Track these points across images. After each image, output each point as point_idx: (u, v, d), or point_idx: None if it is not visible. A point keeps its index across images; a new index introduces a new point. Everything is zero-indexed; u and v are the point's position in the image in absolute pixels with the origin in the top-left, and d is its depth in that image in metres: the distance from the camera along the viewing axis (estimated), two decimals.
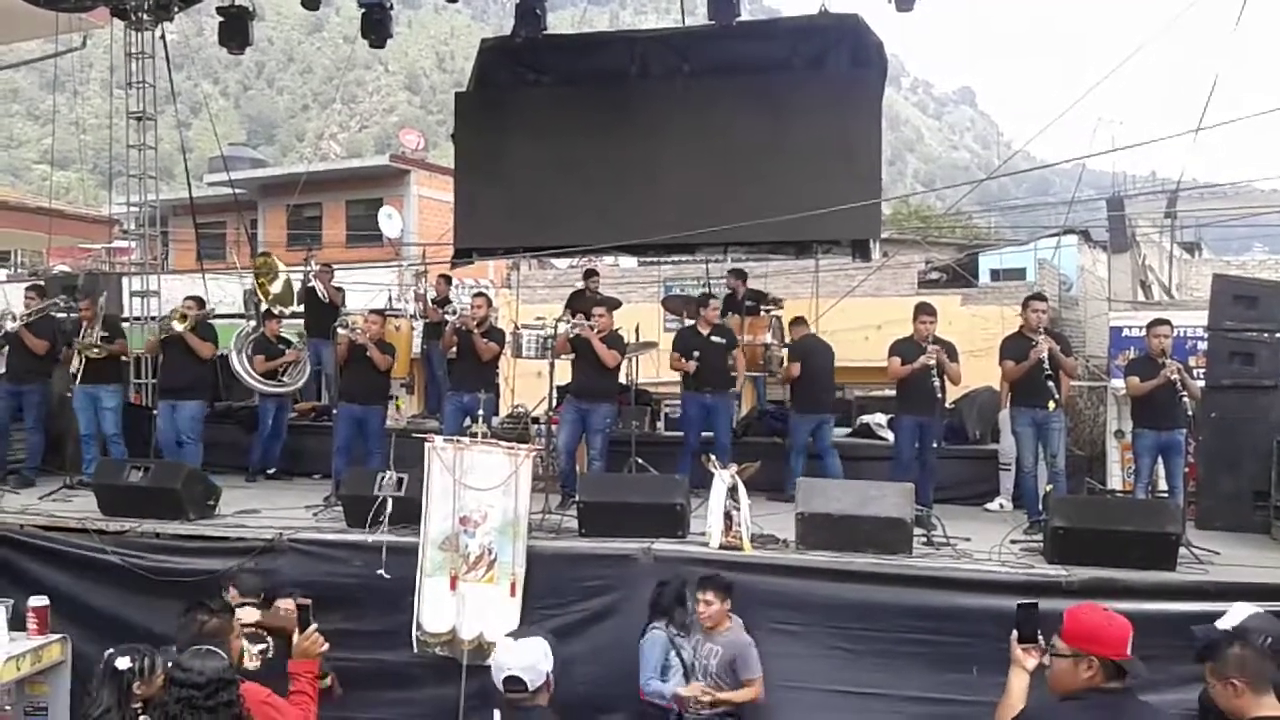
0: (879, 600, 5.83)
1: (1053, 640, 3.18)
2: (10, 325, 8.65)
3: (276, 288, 10.18)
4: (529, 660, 3.87)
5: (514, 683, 3.84)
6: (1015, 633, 3.35)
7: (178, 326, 8.57)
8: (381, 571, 6.17)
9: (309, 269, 10.59)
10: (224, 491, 7.51)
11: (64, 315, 8.90)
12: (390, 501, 6.44)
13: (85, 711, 3.73)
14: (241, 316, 13.04)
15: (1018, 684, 3.30)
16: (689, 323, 8.88)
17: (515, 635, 4.15)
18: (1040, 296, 7.87)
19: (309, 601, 4.27)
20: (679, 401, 10.14)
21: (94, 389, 8.70)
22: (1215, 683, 3.18)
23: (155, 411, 8.91)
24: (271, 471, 9.62)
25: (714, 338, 8.40)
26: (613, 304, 10.75)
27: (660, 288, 17.38)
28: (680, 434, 9.50)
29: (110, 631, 6.42)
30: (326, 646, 4.19)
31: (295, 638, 4.14)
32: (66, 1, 10.00)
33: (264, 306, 10.05)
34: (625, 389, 9.48)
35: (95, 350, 8.59)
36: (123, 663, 3.63)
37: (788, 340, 9.28)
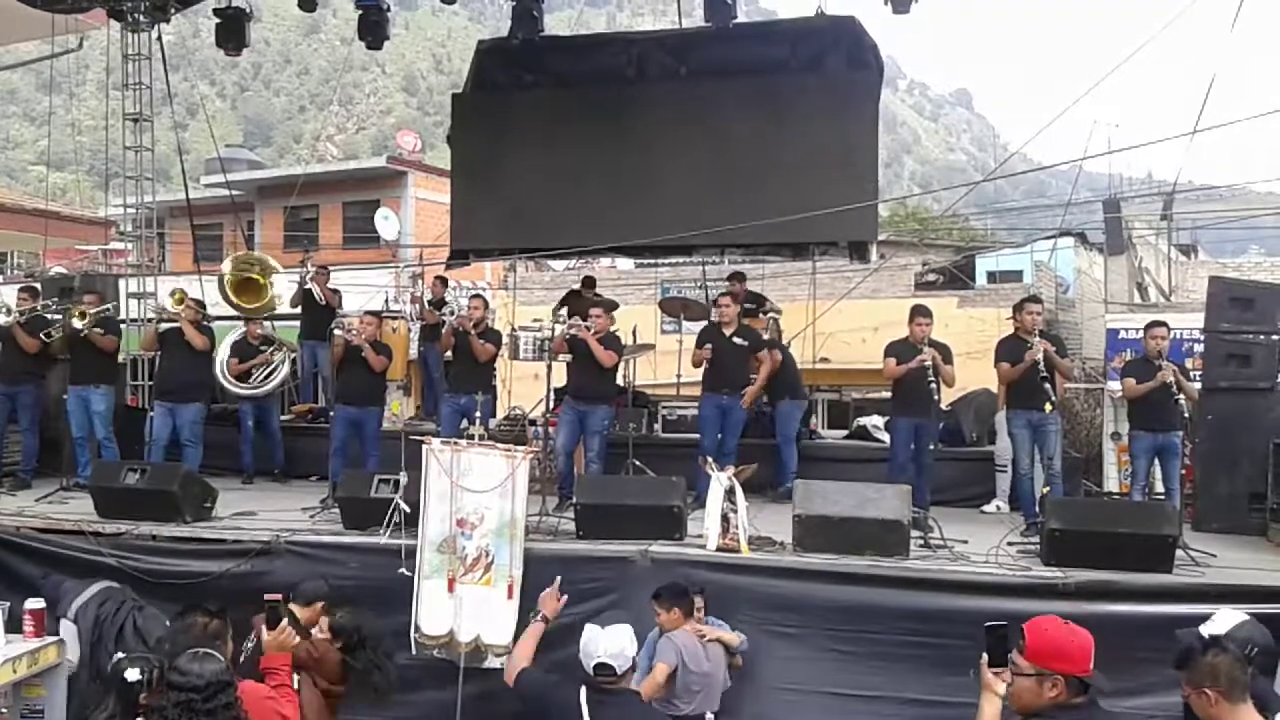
0: (876, 602, 5.83)
1: (1013, 657, 3.10)
2: (4, 319, 8.61)
3: (279, 286, 10.07)
4: (617, 647, 4.07)
5: (603, 669, 4.05)
6: (985, 656, 3.22)
7: (170, 306, 8.53)
8: (403, 570, 6.16)
9: (305, 271, 10.57)
10: (221, 494, 7.50)
11: (57, 317, 8.85)
12: (403, 505, 6.40)
13: (88, 716, 3.70)
14: (240, 318, 13.02)
15: (990, 710, 3.18)
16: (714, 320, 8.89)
17: (601, 623, 4.27)
18: (1035, 299, 7.87)
19: (279, 598, 4.28)
20: (677, 404, 10.16)
21: (84, 391, 8.65)
22: (1190, 692, 3.14)
23: (152, 414, 8.89)
24: (275, 471, 9.60)
25: (735, 339, 8.31)
26: (610, 306, 10.77)
27: (657, 289, 17.39)
28: (678, 436, 9.51)
29: None
30: (299, 640, 4.22)
31: (266, 635, 4.15)
32: (63, 3, 10.00)
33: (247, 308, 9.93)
34: (623, 391, 9.48)
35: (83, 319, 8.50)
36: (132, 674, 3.61)
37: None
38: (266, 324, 10.10)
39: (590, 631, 4.16)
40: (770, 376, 8.68)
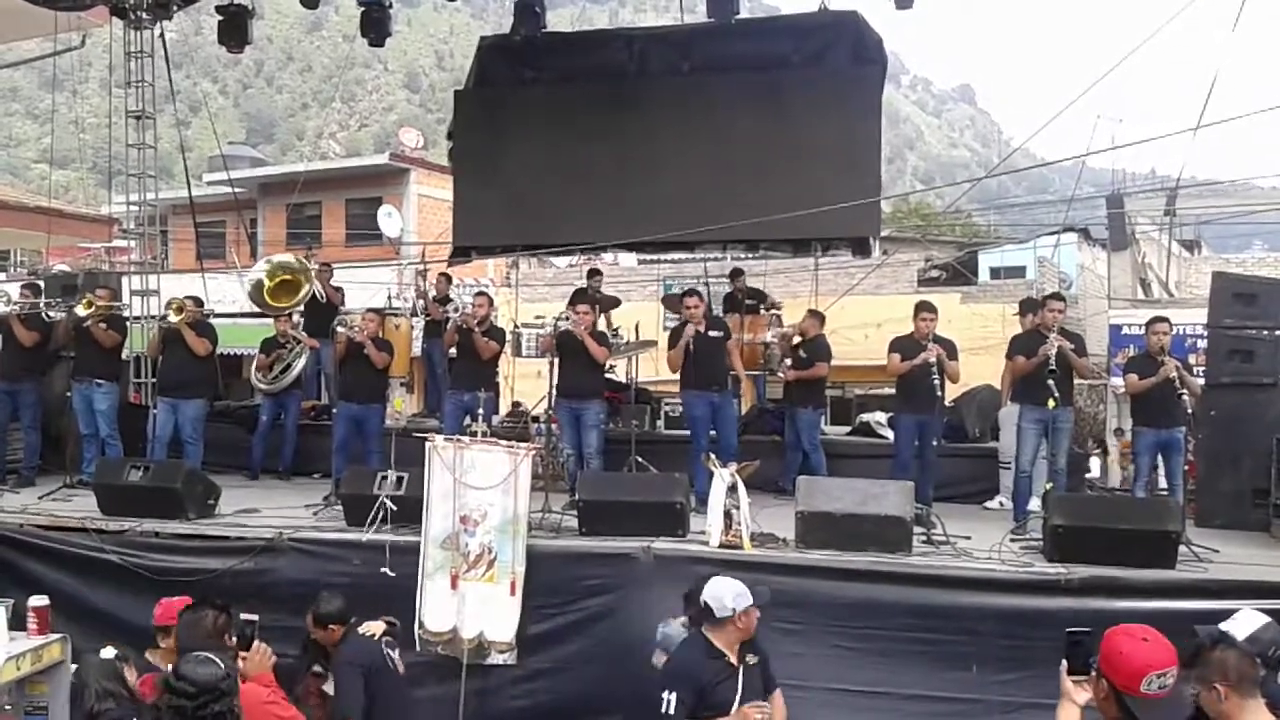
0: (879, 599, 5.83)
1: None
2: (2, 308, 8.62)
3: (301, 294, 10.00)
4: (716, 591, 4.35)
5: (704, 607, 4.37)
6: (1064, 664, 3.08)
7: (172, 318, 8.55)
8: (385, 569, 6.17)
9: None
10: (224, 491, 7.50)
11: (60, 315, 8.84)
12: (388, 502, 6.42)
13: (90, 709, 3.64)
14: (244, 315, 13.03)
15: (1067, 718, 3.03)
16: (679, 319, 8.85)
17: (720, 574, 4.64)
18: (1059, 296, 7.87)
19: (256, 618, 4.26)
20: (679, 401, 10.14)
21: (88, 388, 8.65)
22: (1200, 688, 3.11)
23: (154, 411, 8.90)
24: (280, 470, 9.60)
25: (710, 332, 8.13)
26: (612, 303, 10.77)
27: (660, 286, 17.39)
28: (681, 433, 9.50)
29: (110, 631, 6.43)
30: (275, 658, 4.23)
31: (240, 661, 4.08)
32: (65, 0, 9.98)
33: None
34: (625, 387, 9.48)
35: (89, 307, 8.51)
36: (108, 652, 3.60)
37: (803, 334, 9.11)
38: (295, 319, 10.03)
39: (713, 579, 4.52)
40: (808, 380, 8.82)
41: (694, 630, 4.54)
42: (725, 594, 4.33)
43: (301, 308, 10.14)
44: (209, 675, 3.19)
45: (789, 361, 9.01)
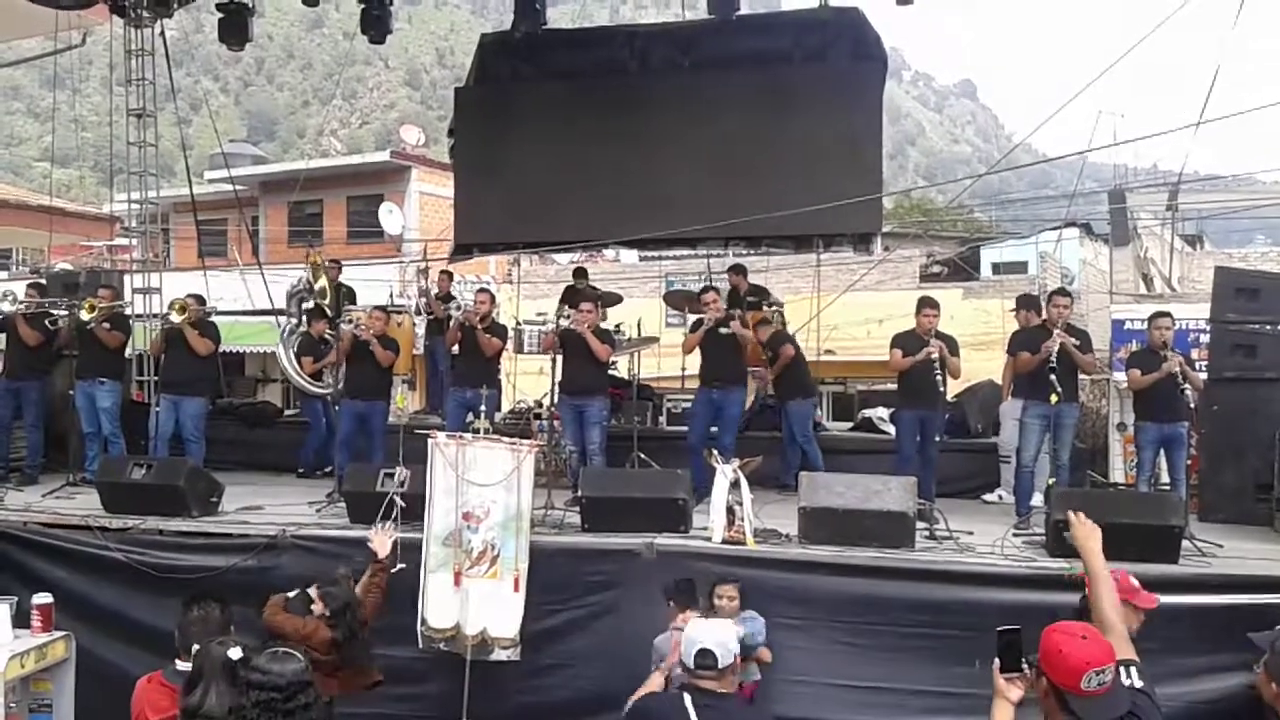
0: (882, 594, 5.84)
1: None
2: (8, 307, 8.63)
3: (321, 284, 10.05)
4: (720, 637, 3.91)
5: (705, 655, 3.84)
6: (997, 662, 2.98)
7: (175, 318, 8.57)
8: (401, 565, 6.18)
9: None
10: (226, 488, 7.51)
11: (64, 314, 8.85)
12: (398, 499, 6.42)
13: (203, 710, 3.53)
14: (246, 313, 13.05)
15: (1001, 716, 2.96)
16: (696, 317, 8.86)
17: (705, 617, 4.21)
18: (1064, 292, 7.84)
19: None
20: (681, 396, 10.16)
21: (90, 386, 8.66)
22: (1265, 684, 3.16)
23: (156, 409, 8.91)
24: (300, 471, 9.63)
25: (720, 329, 8.18)
26: (613, 299, 10.76)
27: (661, 283, 17.37)
28: (682, 428, 9.51)
29: (114, 628, 6.46)
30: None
31: None
32: None
33: (318, 304, 9.88)
34: (627, 384, 9.50)
35: (92, 311, 8.52)
36: (235, 653, 3.57)
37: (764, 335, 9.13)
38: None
39: (694, 625, 4.09)
40: (783, 368, 8.74)
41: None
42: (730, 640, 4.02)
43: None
44: (295, 668, 3.24)
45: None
